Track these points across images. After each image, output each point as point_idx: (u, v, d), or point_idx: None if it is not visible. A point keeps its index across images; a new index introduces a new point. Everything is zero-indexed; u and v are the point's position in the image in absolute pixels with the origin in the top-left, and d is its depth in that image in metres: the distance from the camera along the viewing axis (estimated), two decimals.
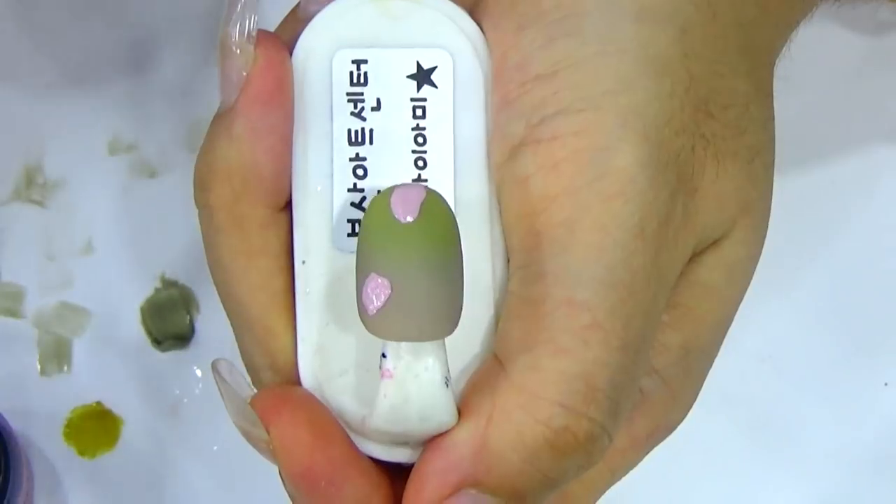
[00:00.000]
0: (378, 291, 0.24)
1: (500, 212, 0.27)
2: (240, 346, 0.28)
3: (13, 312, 0.44)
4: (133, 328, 0.44)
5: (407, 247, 0.24)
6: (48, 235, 0.44)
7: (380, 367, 0.25)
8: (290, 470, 0.25)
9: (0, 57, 0.45)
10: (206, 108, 0.45)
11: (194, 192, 0.28)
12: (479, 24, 0.28)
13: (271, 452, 0.25)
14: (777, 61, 0.30)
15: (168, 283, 0.44)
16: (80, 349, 0.44)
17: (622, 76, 0.25)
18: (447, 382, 0.25)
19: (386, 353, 0.25)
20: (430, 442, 0.26)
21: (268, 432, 0.25)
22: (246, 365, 0.28)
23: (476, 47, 0.27)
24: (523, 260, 0.26)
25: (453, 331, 0.25)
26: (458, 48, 0.28)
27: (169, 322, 0.44)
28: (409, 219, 0.24)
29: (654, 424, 0.28)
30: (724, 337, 0.29)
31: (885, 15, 0.45)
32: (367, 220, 0.25)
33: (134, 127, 0.45)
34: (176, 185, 0.44)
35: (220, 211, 0.27)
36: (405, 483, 0.26)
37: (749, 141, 0.27)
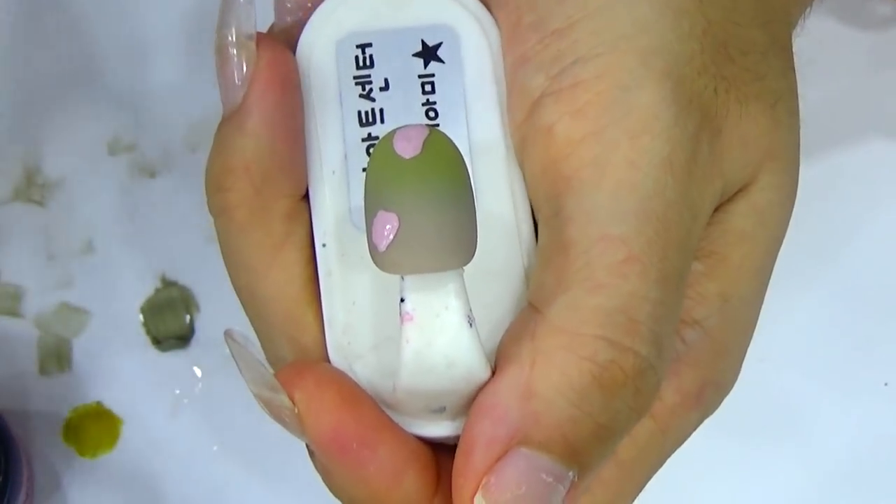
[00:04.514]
0: (387, 227, 0.24)
1: (524, 168, 0.27)
2: (267, 351, 0.28)
3: (13, 312, 0.44)
4: (133, 328, 0.44)
5: (412, 180, 0.24)
6: (48, 235, 0.44)
7: (399, 315, 0.24)
8: (318, 432, 0.25)
9: (0, 56, 0.45)
10: (206, 108, 0.45)
11: (208, 198, 0.28)
12: None
13: (296, 419, 0.25)
14: (798, 23, 0.30)
15: (168, 283, 0.44)
16: (80, 349, 0.44)
17: (639, 20, 0.26)
18: (471, 322, 0.24)
19: (404, 297, 0.24)
20: (474, 406, 0.25)
21: (292, 398, 0.25)
22: (275, 367, 0.28)
23: (480, 20, 0.28)
24: (553, 208, 0.25)
25: (467, 262, 0.24)
26: (461, 23, 0.28)
27: (169, 322, 0.44)
28: (413, 154, 0.24)
29: (702, 379, 0.27)
30: (764, 287, 0.28)
31: (886, 11, 0.45)
32: (371, 161, 0.25)
33: (134, 127, 0.45)
34: (176, 185, 0.44)
35: (240, 209, 0.27)
36: (450, 461, 0.25)
37: (770, 86, 0.27)
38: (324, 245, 0.27)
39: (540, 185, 0.26)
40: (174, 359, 0.44)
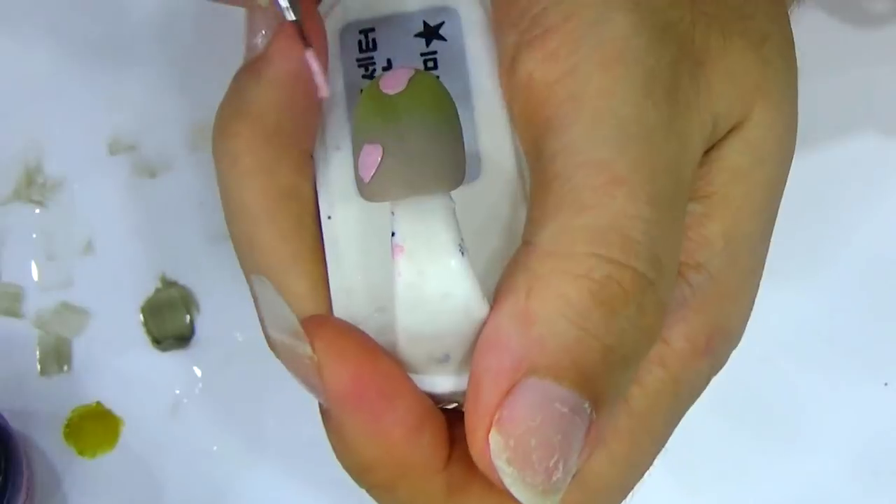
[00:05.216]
0: (371, 157, 0.24)
1: (515, 127, 0.27)
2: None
3: (13, 312, 0.44)
4: (133, 328, 0.44)
5: (395, 112, 0.24)
6: (48, 235, 0.44)
7: (391, 251, 0.24)
8: (337, 382, 0.24)
9: (0, 56, 0.45)
10: (206, 108, 0.45)
11: (214, 140, 0.27)
12: None
13: (314, 368, 0.24)
14: None
15: (168, 283, 0.44)
16: (80, 349, 0.44)
17: None
18: (462, 251, 0.24)
19: (394, 230, 0.24)
20: (477, 345, 0.24)
21: (312, 346, 0.24)
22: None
23: None
24: (536, 152, 0.25)
25: (452, 187, 0.24)
26: (461, 2, 0.28)
27: (169, 322, 0.44)
28: (397, 91, 0.24)
29: (710, 325, 0.27)
30: (767, 232, 0.28)
31: (881, 8, 0.45)
32: (359, 102, 0.25)
33: (134, 127, 0.45)
34: (176, 185, 0.44)
35: (248, 154, 0.27)
36: (461, 429, 0.24)
37: (756, 26, 0.27)
38: (329, 217, 0.27)
39: (526, 135, 0.26)
40: (174, 359, 0.44)
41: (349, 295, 0.27)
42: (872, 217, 0.45)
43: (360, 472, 0.26)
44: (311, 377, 0.25)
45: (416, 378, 0.26)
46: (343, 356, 0.24)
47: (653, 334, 0.24)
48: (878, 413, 0.43)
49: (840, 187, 0.45)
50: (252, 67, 0.27)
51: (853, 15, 0.45)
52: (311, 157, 0.28)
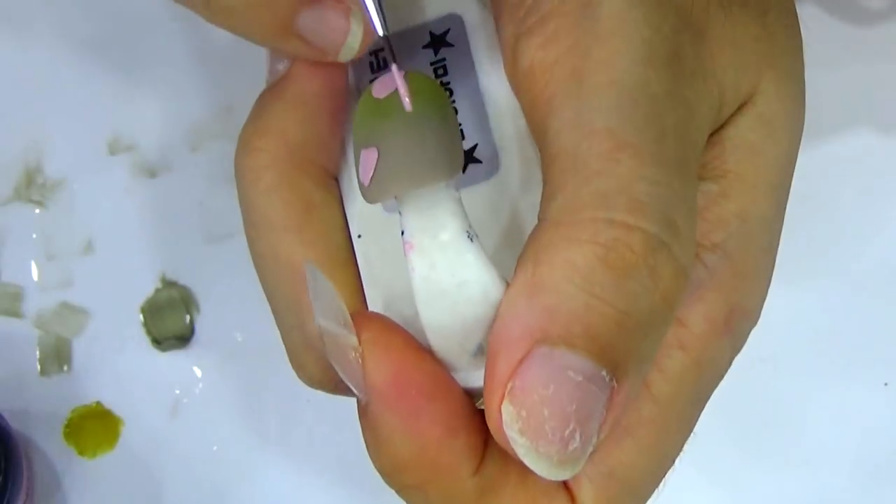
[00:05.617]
0: (368, 161, 0.24)
1: (525, 117, 0.27)
2: (282, 319, 0.28)
3: (13, 312, 0.44)
4: (133, 328, 0.44)
5: (386, 115, 0.24)
6: (48, 235, 0.44)
7: (403, 249, 0.24)
8: (379, 375, 0.24)
9: (1, 57, 0.45)
10: (206, 108, 0.45)
11: (236, 158, 0.27)
12: None
13: (358, 359, 0.24)
14: None
15: (168, 283, 0.44)
16: (80, 349, 0.44)
17: None
18: (471, 237, 0.24)
19: (403, 229, 0.24)
20: (493, 324, 0.24)
21: (358, 338, 0.24)
22: (289, 337, 0.28)
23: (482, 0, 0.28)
24: (543, 133, 0.25)
25: (449, 176, 0.24)
26: (463, 6, 0.28)
27: (169, 322, 0.44)
28: (387, 94, 0.24)
29: (728, 304, 0.26)
30: (782, 209, 0.27)
31: (879, 5, 0.45)
32: (355, 112, 0.25)
33: (134, 127, 0.45)
34: (176, 185, 0.44)
35: (270, 169, 0.27)
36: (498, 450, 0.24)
37: None
38: (359, 236, 0.28)
39: (533, 122, 0.26)
40: (174, 359, 0.44)
41: (387, 307, 0.27)
42: (872, 216, 0.45)
43: (392, 471, 0.25)
44: (353, 369, 0.24)
45: (455, 376, 0.25)
46: (388, 350, 0.24)
47: (671, 299, 0.23)
48: (878, 413, 0.43)
49: (839, 186, 0.45)
50: (275, 88, 0.27)
51: (851, 12, 0.45)
52: (334, 177, 0.28)
